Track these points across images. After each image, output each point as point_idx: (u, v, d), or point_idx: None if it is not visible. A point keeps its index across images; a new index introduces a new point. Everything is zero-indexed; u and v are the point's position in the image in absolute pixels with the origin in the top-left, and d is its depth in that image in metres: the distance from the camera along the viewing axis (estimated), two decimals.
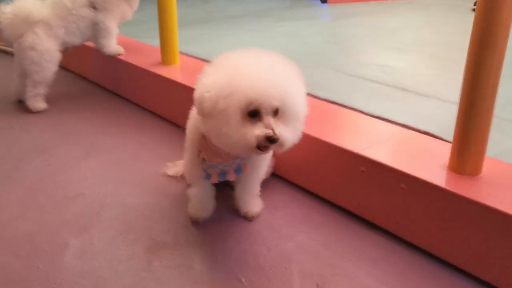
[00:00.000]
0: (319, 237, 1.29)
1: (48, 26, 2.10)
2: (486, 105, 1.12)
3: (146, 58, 2.29)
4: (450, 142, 1.23)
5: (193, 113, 1.23)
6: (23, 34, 2.07)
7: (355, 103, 1.80)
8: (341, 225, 1.34)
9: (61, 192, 1.51)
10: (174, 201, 1.46)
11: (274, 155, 1.49)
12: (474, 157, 1.17)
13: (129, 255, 1.21)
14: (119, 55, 2.34)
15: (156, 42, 2.27)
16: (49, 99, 2.23)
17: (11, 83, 2.27)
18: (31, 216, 1.38)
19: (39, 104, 2.18)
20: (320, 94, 1.91)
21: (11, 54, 2.88)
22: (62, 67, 2.43)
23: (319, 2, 5.05)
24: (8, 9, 2.04)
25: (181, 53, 2.41)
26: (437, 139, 1.44)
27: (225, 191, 1.44)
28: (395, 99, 1.94)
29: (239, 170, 1.23)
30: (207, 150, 1.16)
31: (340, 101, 1.84)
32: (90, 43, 2.38)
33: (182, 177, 1.55)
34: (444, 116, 1.71)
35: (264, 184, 1.45)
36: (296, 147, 1.13)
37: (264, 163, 1.32)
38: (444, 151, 1.26)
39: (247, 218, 1.36)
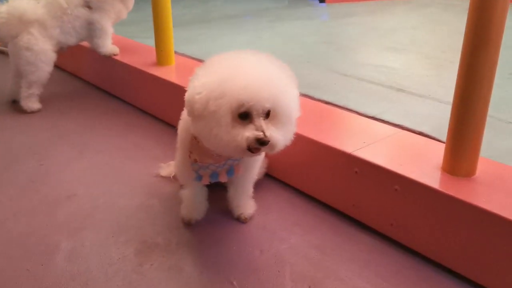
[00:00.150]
0: (313, 239, 1.27)
1: (43, 26, 2.09)
2: (480, 105, 1.10)
3: (142, 58, 2.28)
4: (445, 143, 1.22)
5: (184, 113, 1.22)
6: (18, 34, 2.06)
7: (350, 104, 1.80)
8: (335, 227, 1.33)
9: (54, 193, 1.50)
10: (167, 202, 1.45)
11: (267, 156, 1.49)
12: (468, 158, 1.16)
13: (120, 257, 1.20)
14: (114, 55, 2.33)
15: (153, 42, 2.26)
16: (43, 99, 2.22)
17: (6, 83, 2.26)
18: (23, 217, 1.37)
19: (33, 104, 2.17)
20: (315, 95, 1.91)
21: (6, 54, 2.87)
22: (57, 66, 2.42)
23: (317, 1, 5.05)
24: (2, 8, 2.03)
25: (178, 53, 2.40)
26: (432, 140, 1.43)
27: (218, 192, 1.42)
28: (390, 99, 1.93)
29: (231, 171, 1.22)
30: (198, 151, 1.15)
31: (335, 102, 1.83)
32: (85, 43, 2.37)
33: (175, 178, 1.54)
34: (439, 117, 1.70)
35: (258, 185, 1.44)
36: (290, 147, 1.12)
37: (257, 164, 1.31)
38: (439, 152, 1.25)
39: (241, 220, 1.35)
